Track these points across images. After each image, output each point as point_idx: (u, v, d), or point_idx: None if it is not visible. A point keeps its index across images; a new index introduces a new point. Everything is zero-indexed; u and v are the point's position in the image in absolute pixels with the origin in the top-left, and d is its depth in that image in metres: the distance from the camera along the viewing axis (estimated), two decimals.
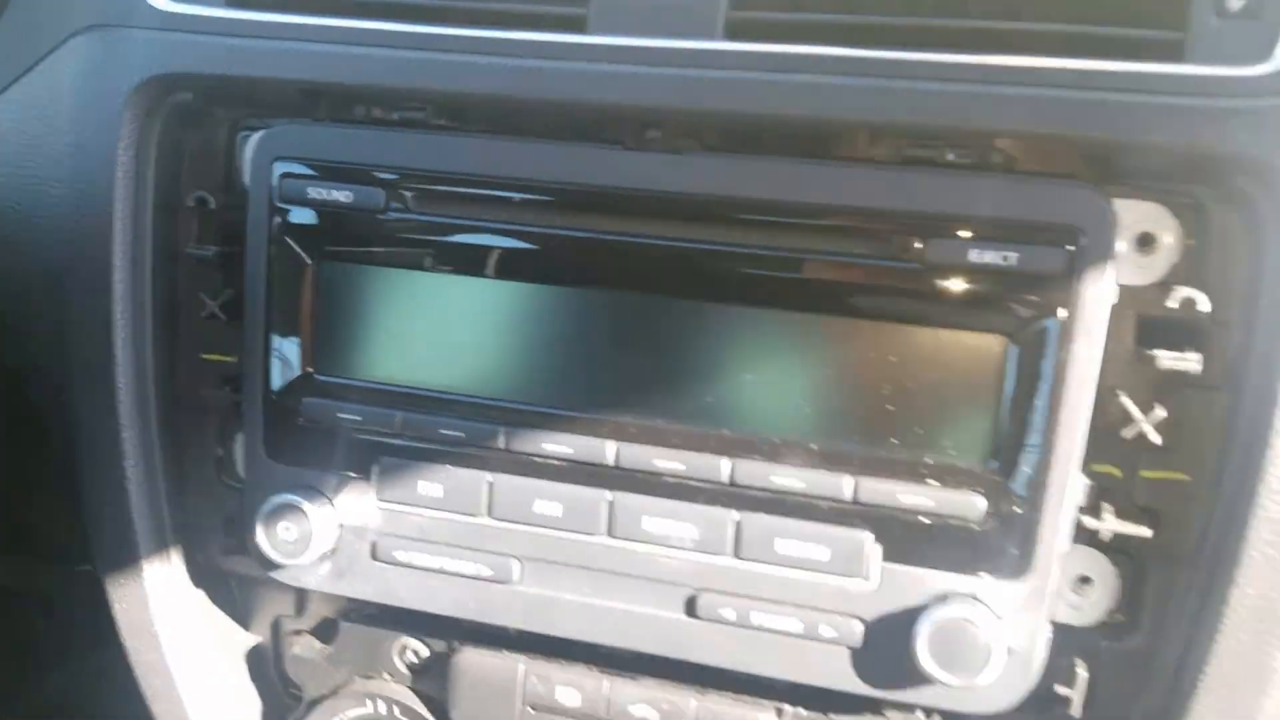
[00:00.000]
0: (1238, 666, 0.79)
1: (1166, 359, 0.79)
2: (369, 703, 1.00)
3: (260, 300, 0.92)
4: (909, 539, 0.82)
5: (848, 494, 0.83)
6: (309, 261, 0.91)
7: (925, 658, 0.81)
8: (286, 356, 0.93)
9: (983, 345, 0.79)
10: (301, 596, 1.06)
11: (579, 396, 0.88)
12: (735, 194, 0.81)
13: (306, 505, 0.91)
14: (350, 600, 1.02)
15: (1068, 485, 0.80)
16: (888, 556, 0.83)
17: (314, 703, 1.02)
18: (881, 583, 0.83)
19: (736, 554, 0.86)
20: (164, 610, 1.02)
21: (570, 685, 0.93)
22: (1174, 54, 0.75)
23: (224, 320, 0.98)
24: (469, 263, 0.88)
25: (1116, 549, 0.84)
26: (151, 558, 1.00)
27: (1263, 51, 0.74)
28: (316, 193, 0.89)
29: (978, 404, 0.80)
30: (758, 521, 0.85)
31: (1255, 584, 0.77)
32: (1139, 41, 0.76)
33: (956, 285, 0.79)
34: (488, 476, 0.90)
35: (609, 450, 0.86)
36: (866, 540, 0.83)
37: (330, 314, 0.92)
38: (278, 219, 0.91)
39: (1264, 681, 0.79)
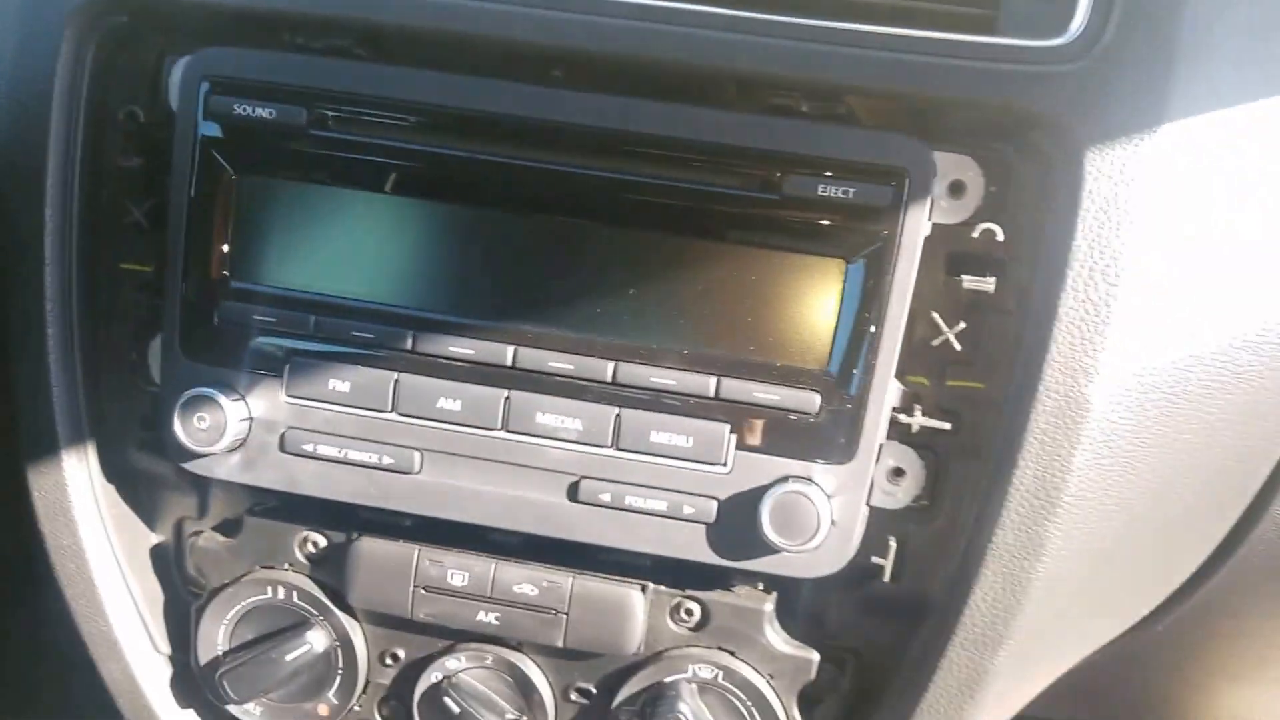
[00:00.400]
0: (1016, 538, 0.96)
1: (968, 281, 0.96)
2: (269, 589, 1.07)
3: (183, 208, 0.98)
4: (758, 430, 0.97)
5: (711, 391, 0.96)
6: (231, 174, 0.98)
7: (768, 528, 0.95)
8: (206, 262, 1.00)
9: (825, 268, 0.95)
10: (204, 499, 1.13)
11: (481, 305, 0.98)
12: (624, 129, 0.94)
13: (221, 398, 0.99)
14: (252, 500, 1.10)
15: (887, 387, 0.96)
16: (740, 445, 0.95)
17: (216, 591, 1.08)
18: (734, 467, 0.95)
19: (615, 445, 0.98)
20: (80, 497, 1.07)
21: (460, 569, 1.04)
22: (988, 27, 0.92)
23: (146, 228, 1.04)
24: (381, 181, 0.96)
25: (924, 445, 1.01)
26: (70, 448, 1.05)
27: (1060, 26, 0.91)
28: (241, 109, 0.96)
29: (819, 318, 0.95)
30: (635, 416, 0.97)
31: (1032, 467, 0.94)
32: (961, 16, 0.93)
33: (806, 215, 0.94)
34: (394, 375, 0.99)
35: (507, 353, 0.95)
36: (724, 431, 0.97)
37: (249, 224, 0.99)
38: (202, 133, 0.97)
39: (1038, 549, 0.95)
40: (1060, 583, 0.99)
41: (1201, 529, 1.10)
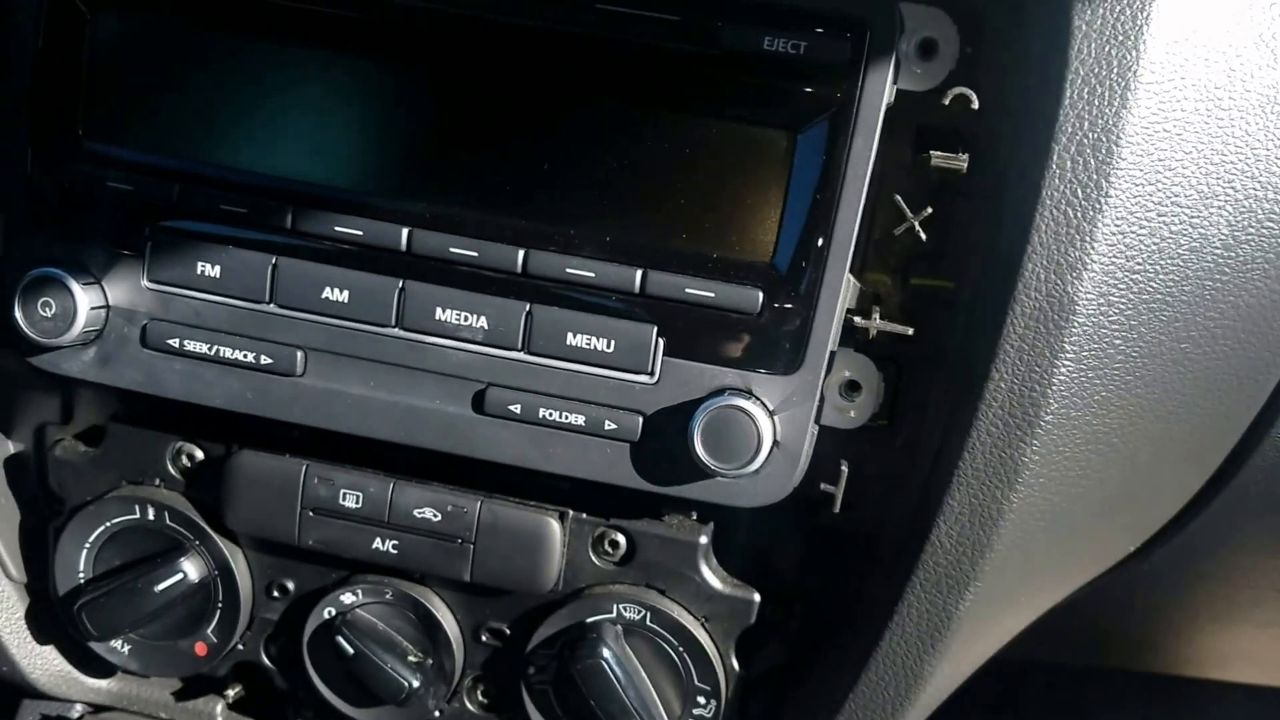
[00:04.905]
0: (988, 461, 0.84)
1: (938, 158, 0.83)
2: (137, 509, 0.95)
3: (26, 47, 0.86)
4: (690, 333, 0.85)
5: (636, 286, 0.84)
6: (85, 14, 0.85)
7: (699, 448, 0.83)
8: (53, 115, 0.87)
9: (769, 140, 0.82)
10: (68, 401, 1.01)
11: (372, 177, 0.86)
12: None
13: (70, 280, 0.86)
14: (121, 404, 0.97)
15: (842, 284, 0.84)
16: (669, 351, 0.85)
17: (76, 510, 0.96)
18: (662, 377, 0.85)
19: (526, 348, 0.86)
20: None
21: (353, 489, 0.92)
22: None
23: None
24: (259, 22, 0.84)
25: (883, 355, 0.89)
26: None
27: None
28: None
29: (762, 200, 0.83)
30: (549, 314, 0.85)
31: (1006, 380, 0.82)
32: None
33: (747, 74, 0.81)
34: (271, 259, 0.86)
35: (402, 235, 0.85)
36: (651, 334, 0.85)
37: (105, 74, 0.86)
38: None
39: (1012, 475, 0.84)
40: (1035, 516, 0.87)
41: (1196, 455, 0.98)
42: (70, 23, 0.85)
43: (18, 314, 0.87)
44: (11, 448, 1.03)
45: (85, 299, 0.87)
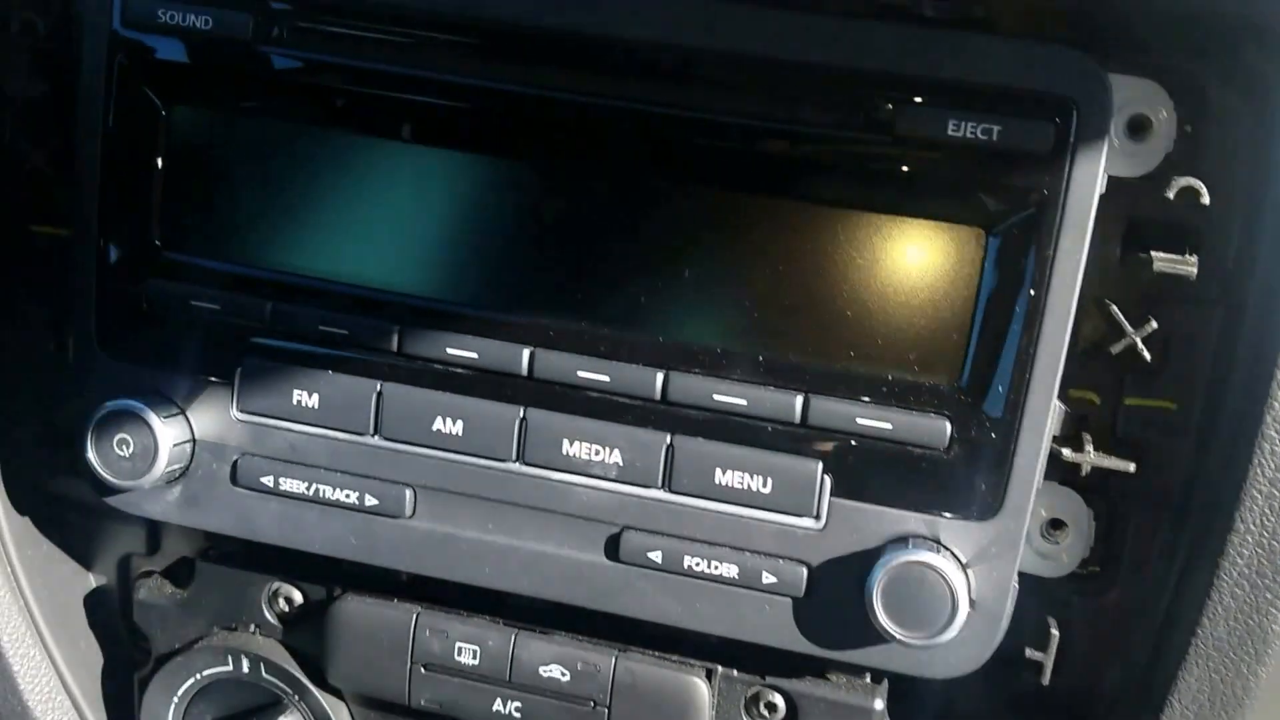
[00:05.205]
0: (1232, 629, 0.72)
1: (1161, 262, 0.72)
2: (230, 660, 0.87)
3: (96, 153, 0.79)
4: (863, 470, 0.74)
5: (797, 415, 0.74)
6: (159, 106, 0.78)
7: (881, 612, 0.72)
8: (129, 225, 0.80)
9: (955, 239, 0.71)
10: (154, 529, 0.94)
11: (489, 290, 0.77)
12: (672, 41, 0.71)
13: (150, 414, 0.78)
14: (212, 535, 0.89)
15: (1050, 409, 0.71)
16: (838, 491, 0.74)
17: (163, 659, 0.88)
18: (830, 521, 0.75)
19: (667, 485, 0.76)
20: None
21: (470, 642, 0.82)
22: None
23: (52, 176, 0.85)
24: (361, 116, 0.76)
25: (1091, 488, 0.78)
26: None
27: None
28: (169, 16, 0.76)
29: (947, 309, 0.72)
30: (693, 447, 0.75)
31: (1254, 531, 0.70)
32: None
33: (929, 163, 0.70)
34: (376, 385, 0.78)
35: (523, 356, 0.76)
36: (816, 470, 0.74)
37: (185, 174, 0.79)
38: (120, 50, 0.77)
39: (1261, 648, 0.72)
40: None
41: None
42: (143, 117, 0.78)
43: (91, 454, 0.79)
44: (93, 581, 0.96)
45: (168, 435, 0.79)
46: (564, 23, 0.72)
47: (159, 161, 0.79)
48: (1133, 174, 0.72)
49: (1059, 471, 0.76)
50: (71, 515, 0.93)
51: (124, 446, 0.78)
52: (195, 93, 0.78)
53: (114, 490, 0.81)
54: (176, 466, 0.80)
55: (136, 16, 0.76)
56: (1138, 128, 0.72)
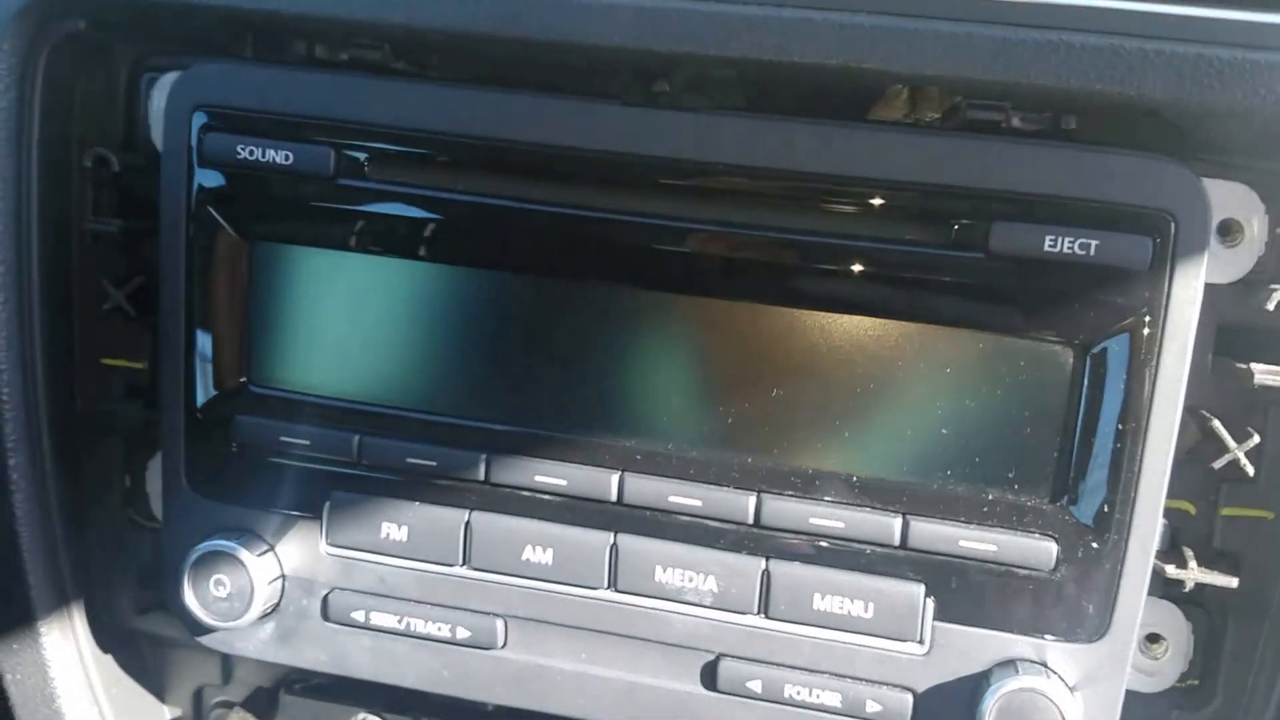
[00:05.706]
0: None
1: (1263, 374, 0.70)
2: None
3: (179, 290, 0.78)
4: (966, 593, 0.72)
5: (896, 537, 0.72)
6: (241, 241, 0.77)
7: None
8: (214, 362, 0.79)
9: (1053, 355, 0.70)
10: (228, 660, 0.92)
11: (575, 416, 0.76)
12: (762, 164, 0.70)
13: (245, 553, 0.77)
14: (292, 669, 0.87)
15: (1155, 531, 0.69)
16: (942, 614, 0.73)
17: None
18: (934, 646, 0.73)
19: (764, 612, 0.75)
20: (66, 680, 0.85)
21: None
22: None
23: (132, 315, 0.84)
24: (442, 246, 0.75)
25: (1189, 600, 0.76)
26: (49, 617, 0.84)
27: None
28: (248, 152, 0.75)
29: (1045, 426, 0.70)
30: (790, 572, 0.74)
31: None
32: None
33: (1024, 280, 0.68)
34: (464, 515, 0.77)
35: (612, 482, 0.75)
36: (918, 595, 0.72)
37: (268, 308, 0.78)
38: (199, 186, 0.76)
39: None
40: None
41: None
42: (226, 252, 0.77)
43: (189, 597, 0.77)
44: (167, 714, 0.94)
45: (262, 573, 0.77)
46: (630, 149, 0.71)
47: (242, 296, 0.78)
48: (1225, 280, 0.71)
49: (1159, 586, 0.75)
50: (147, 648, 0.91)
51: (220, 587, 0.77)
52: (276, 226, 0.77)
53: (208, 630, 0.79)
54: (269, 604, 0.78)
55: (216, 154, 0.75)
56: (1228, 231, 0.71)
